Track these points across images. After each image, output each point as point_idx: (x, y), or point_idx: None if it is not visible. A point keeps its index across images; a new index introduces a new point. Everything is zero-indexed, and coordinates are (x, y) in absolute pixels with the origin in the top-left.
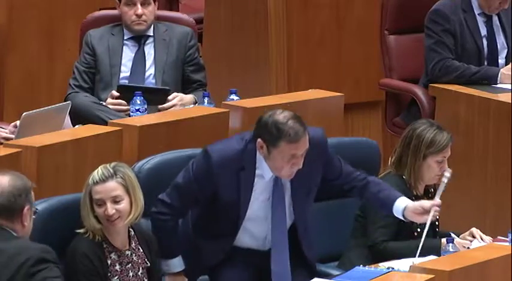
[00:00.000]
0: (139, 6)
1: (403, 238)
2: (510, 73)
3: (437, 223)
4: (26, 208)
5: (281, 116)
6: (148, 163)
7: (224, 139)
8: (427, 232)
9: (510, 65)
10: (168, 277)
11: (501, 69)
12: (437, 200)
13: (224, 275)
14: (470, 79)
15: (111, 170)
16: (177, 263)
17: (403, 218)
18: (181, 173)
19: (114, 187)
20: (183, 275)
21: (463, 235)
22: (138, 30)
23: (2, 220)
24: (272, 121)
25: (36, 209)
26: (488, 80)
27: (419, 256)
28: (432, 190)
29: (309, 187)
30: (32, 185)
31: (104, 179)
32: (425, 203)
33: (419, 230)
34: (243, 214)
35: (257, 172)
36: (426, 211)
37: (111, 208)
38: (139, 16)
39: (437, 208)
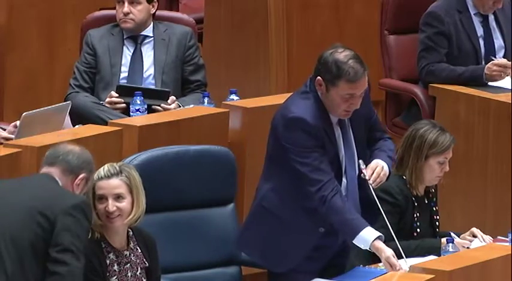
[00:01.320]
0: (126, 4)
1: (403, 238)
2: (491, 73)
3: (437, 223)
4: (81, 175)
5: (342, 54)
6: (136, 159)
7: (284, 104)
8: (427, 232)
9: (490, 64)
10: (372, 248)
11: (484, 70)
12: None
13: None
14: (458, 81)
15: (117, 168)
16: (371, 231)
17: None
18: (293, 163)
19: (118, 184)
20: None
21: (463, 235)
22: (125, 29)
23: (60, 172)
24: (333, 60)
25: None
26: (476, 81)
27: (417, 256)
28: (433, 190)
29: (363, 124)
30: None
31: (108, 176)
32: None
33: (419, 230)
34: (338, 162)
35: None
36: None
37: (112, 205)
38: (125, 14)
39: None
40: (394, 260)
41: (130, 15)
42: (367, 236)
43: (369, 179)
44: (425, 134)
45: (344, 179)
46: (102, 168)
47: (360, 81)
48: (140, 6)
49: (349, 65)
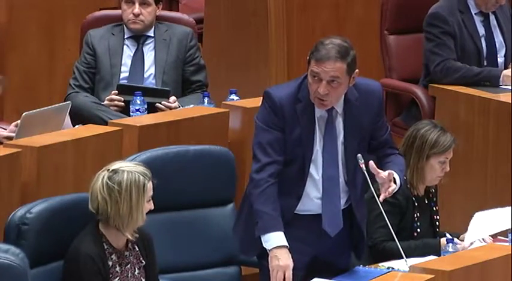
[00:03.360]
0: (137, 5)
1: (403, 238)
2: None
3: (437, 223)
4: None
5: (329, 39)
6: (136, 159)
7: None
8: (428, 232)
9: None
10: (270, 253)
11: (503, 72)
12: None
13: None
14: (473, 80)
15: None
16: (280, 237)
17: None
18: (255, 135)
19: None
20: (287, 250)
21: (463, 235)
22: (134, 29)
23: None
24: (319, 41)
25: None
26: (491, 82)
27: (418, 256)
28: (433, 190)
29: (360, 135)
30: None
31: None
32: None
33: (419, 230)
34: (308, 153)
35: (315, 107)
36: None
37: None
38: (136, 15)
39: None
40: (277, 274)
41: (141, 17)
42: (275, 239)
43: (382, 193)
44: (427, 134)
45: (316, 176)
46: (145, 170)
47: (325, 63)
48: (150, 8)
49: (325, 46)
